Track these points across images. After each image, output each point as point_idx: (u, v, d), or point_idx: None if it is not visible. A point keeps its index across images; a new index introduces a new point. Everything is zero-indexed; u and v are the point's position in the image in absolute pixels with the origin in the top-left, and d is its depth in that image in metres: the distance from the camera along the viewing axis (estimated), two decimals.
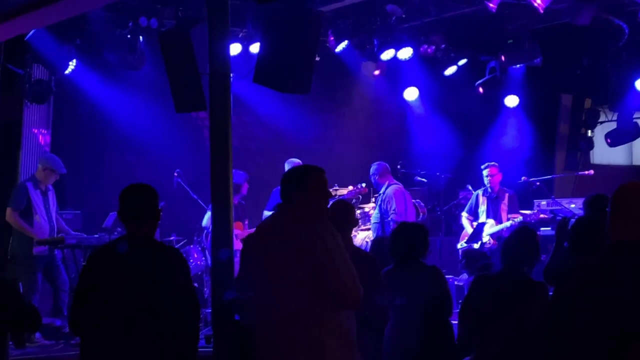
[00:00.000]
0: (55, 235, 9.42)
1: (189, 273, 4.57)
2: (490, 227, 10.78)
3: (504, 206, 10.95)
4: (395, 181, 10.79)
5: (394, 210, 10.42)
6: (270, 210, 10.66)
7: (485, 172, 11.08)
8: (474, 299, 5.41)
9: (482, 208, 11.07)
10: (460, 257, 10.13)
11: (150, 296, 4.30)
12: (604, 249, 3.40)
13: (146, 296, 4.29)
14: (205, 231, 10.41)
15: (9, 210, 9.30)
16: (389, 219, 10.38)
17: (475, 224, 11.04)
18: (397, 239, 5.99)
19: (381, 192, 10.68)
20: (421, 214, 10.89)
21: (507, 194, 11.04)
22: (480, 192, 11.21)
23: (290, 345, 4.26)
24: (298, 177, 4.53)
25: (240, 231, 10.25)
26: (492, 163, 11.17)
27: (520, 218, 10.63)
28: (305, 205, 4.43)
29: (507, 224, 10.65)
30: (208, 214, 10.32)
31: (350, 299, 4.29)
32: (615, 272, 3.25)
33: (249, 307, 4.60)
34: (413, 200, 10.86)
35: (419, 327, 5.65)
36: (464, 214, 11.33)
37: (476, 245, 10.67)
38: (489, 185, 11.05)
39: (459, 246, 11.21)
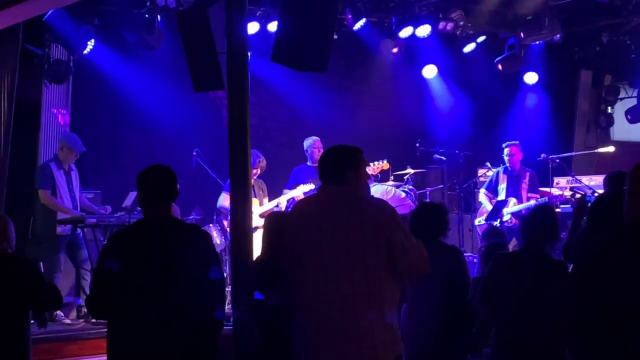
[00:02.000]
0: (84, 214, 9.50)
1: (213, 248, 4.54)
2: (512, 206, 10.74)
3: (525, 185, 10.91)
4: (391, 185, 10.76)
5: None
6: (290, 189, 10.67)
7: (505, 151, 11.04)
8: (493, 278, 5.39)
9: (502, 186, 11.03)
10: (481, 235, 10.06)
11: (172, 275, 4.30)
12: (622, 227, 3.38)
13: (168, 275, 4.29)
14: (221, 211, 10.45)
15: (41, 192, 9.35)
16: None
17: (494, 201, 11.01)
18: (416, 218, 5.97)
19: None
20: (415, 200, 10.81)
21: (528, 173, 10.99)
22: (501, 169, 11.16)
23: (355, 324, 4.22)
24: (349, 156, 4.49)
25: (257, 207, 10.28)
26: (514, 142, 11.10)
27: (545, 198, 10.57)
28: (358, 184, 4.44)
29: (531, 202, 10.59)
30: (223, 195, 10.36)
31: (424, 268, 4.37)
32: (637, 248, 3.23)
33: (288, 288, 4.50)
34: (406, 187, 10.84)
35: (438, 307, 5.63)
36: (483, 190, 11.29)
37: (496, 223, 10.64)
38: (509, 164, 11.01)
39: (476, 222, 11.20)
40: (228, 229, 10.38)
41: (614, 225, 3.88)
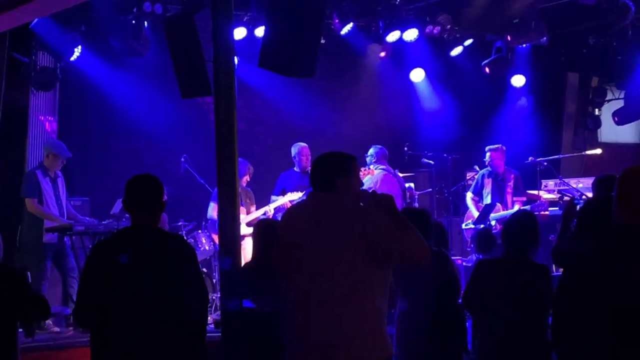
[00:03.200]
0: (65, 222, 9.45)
1: (195, 260, 4.53)
2: (496, 212, 10.74)
3: (510, 189, 10.88)
4: (381, 165, 10.72)
5: None
6: (278, 195, 10.67)
7: (487, 156, 11.00)
8: (477, 283, 5.41)
9: (487, 190, 10.99)
10: (471, 239, 10.06)
11: (156, 286, 4.29)
12: (611, 232, 3.40)
13: (151, 286, 4.28)
14: (210, 222, 10.45)
15: (28, 201, 9.29)
16: None
17: (481, 205, 11.02)
18: None
19: None
20: (408, 196, 10.82)
21: (512, 175, 10.96)
22: (485, 172, 11.13)
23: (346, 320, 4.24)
24: (339, 163, 4.50)
25: (244, 216, 10.28)
26: (495, 147, 11.02)
27: (527, 207, 10.54)
28: (347, 191, 4.44)
29: (515, 208, 10.60)
30: (212, 205, 10.35)
31: (420, 255, 4.34)
32: (625, 254, 3.24)
33: (278, 293, 4.49)
34: (407, 185, 10.82)
35: (428, 311, 5.65)
36: (469, 194, 11.28)
37: (472, 225, 10.66)
38: (491, 168, 11.00)
39: (463, 226, 11.20)
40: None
41: (602, 230, 3.89)
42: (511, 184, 10.91)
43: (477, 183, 11.20)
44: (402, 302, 5.90)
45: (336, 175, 4.44)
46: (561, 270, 5.53)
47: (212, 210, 10.32)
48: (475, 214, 10.93)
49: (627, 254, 3.24)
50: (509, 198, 10.84)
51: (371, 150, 10.78)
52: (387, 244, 4.27)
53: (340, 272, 4.25)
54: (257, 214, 10.42)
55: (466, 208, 11.63)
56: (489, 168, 11.08)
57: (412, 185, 10.93)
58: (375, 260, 4.27)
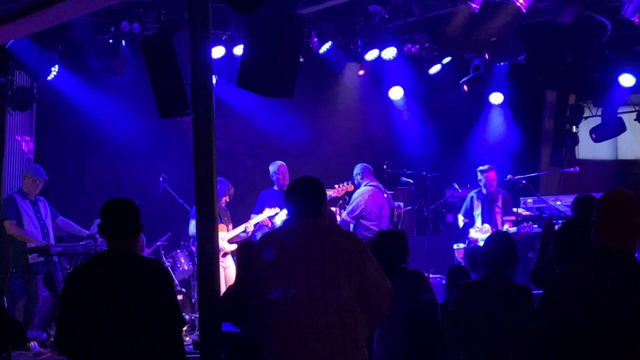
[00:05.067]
0: (50, 243, 9.45)
1: (171, 284, 4.50)
2: (484, 233, 10.68)
3: (498, 209, 10.84)
4: (371, 182, 10.72)
5: (348, 209, 10.47)
6: (258, 214, 10.64)
7: (482, 179, 10.85)
8: (459, 306, 5.40)
9: (477, 211, 10.90)
10: (464, 258, 9.91)
11: (132, 312, 4.24)
12: (590, 256, 3.40)
13: (128, 312, 4.23)
14: (192, 239, 10.41)
15: (6, 223, 9.42)
16: (342, 216, 10.45)
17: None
18: (376, 247, 5.97)
19: None
20: (395, 215, 10.79)
21: (500, 195, 10.91)
22: (474, 194, 11.02)
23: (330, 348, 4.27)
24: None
25: (225, 233, 10.24)
26: (488, 168, 10.89)
27: (514, 229, 10.55)
28: (325, 216, 4.60)
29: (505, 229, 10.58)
30: (192, 222, 10.32)
31: (384, 308, 4.46)
32: (602, 280, 3.25)
33: (257, 319, 4.51)
34: (395, 203, 10.80)
35: (404, 332, 5.64)
36: (460, 217, 11.18)
37: (462, 245, 10.63)
38: (485, 189, 10.86)
39: (454, 247, 11.10)
40: None
41: (580, 254, 3.91)
42: (500, 204, 10.87)
43: (466, 206, 11.13)
44: (379, 326, 5.88)
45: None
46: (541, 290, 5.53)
47: (194, 227, 10.31)
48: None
49: (607, 279, 3.24)
50: (498, 218, 10.81)
51: (357, 169, 10.78)
52: (370, 269, 4.39)
53: (330, 303, 4.28)
54: (237, 230, 10.40)
55: (446, 226, 11.62)
56: (478, 189, 11.00)
57: (401, 204, 10.91)
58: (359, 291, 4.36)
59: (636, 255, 3.40)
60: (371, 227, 10.37)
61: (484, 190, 10.91)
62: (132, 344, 4.23)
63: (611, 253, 3.31)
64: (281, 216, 10.35)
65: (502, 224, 10.77)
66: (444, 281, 10.28)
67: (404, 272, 5.93)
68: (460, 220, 11.20)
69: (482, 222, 10.82)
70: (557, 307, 3.34)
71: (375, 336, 5.86)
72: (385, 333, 5.79)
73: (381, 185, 10.75)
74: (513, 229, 10.50)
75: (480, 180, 10.93)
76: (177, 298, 4.52)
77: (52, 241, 9.55)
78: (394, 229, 9.89)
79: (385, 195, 10.65)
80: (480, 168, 10.99)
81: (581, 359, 3.23)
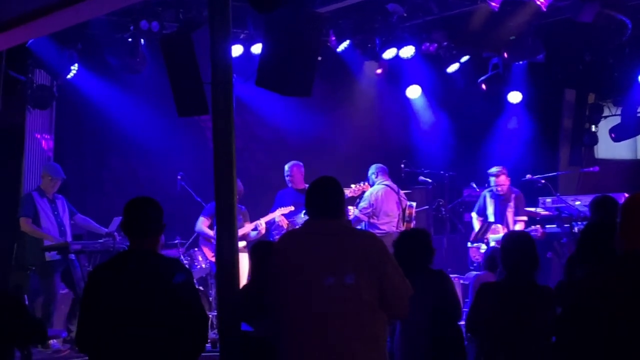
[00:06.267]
0: (68, 240, 9.47)
1: (192, 284, 4.49)
2: (495, 234, 10.66)
3: (511, 208, 10.82)
4: (384, 181, 10.69)
5: (360, 207, 10.46)
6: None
7: (492, 180, 10.87)
8: (480, 307, 5.37)
9: (490, 210, 10.90)
10: (483, 259, 9.83)
11: (154, 312, 4.24)
12: (615, 258, 3.37)
13: (150, 312, 4.24)
14: (200, 235, 10.51)
15: (22, 220, 9.44)
16: (355, 213, 10.43)
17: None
18: (400, 248, 5.95)
19: None
20: (407, 214, 10.74)
21: (513, 195, 10.87)
22: (487, 193, 11.03)
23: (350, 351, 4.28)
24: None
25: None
26: (499, 169, 10.87)
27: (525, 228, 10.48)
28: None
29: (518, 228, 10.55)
30: (201, 219, 10.42)
31: (404, 308, 4.45)
32: (628, 282, 3.22)
33: (275, 320, 4.51)
34: (408, 203, 10.76)
35: (429, 332, 5.61)
36: (474, 215, 11.21)
37: (483, 246, 10.59)
38: (495, 190, 10.89)
39: (469, 245, 11.08)
40: (209, 255, 10.39)
41: (603, 256, 3.88)
42: (512, 203, 10.83)
43: (480, 205, 11.12)
44: (401, 324, 5.87)
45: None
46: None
47: (202, 224, 10.46)
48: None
49: (625, 284, 3.22)
50: (510, 217, 10.78)
51: (372, 169, 10.76)
52: (390, 270, 4.38)
53: (351, 305, 4.28)
54: (248, 228, 10.40)
55: (464, 226, 11.59)
56: (491, 188, 11.00)
57: (413, 204, 10.87)
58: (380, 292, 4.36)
59: None
60: (380, 226, 10.36)
61: (495, 189, 10.91)
62: (153, 344, 4.23)
63: (637, 255, 3.29)
64: (300, 216, 10.35)
65: (515, 224, 10.74)
66: (462, 281, 10.29)
67: (428, 271, 5.93)
68: (474, 218, 11.19)
69: (495, 221, 10.80)
70: (584, 309, 3.31)
71: (396, 335, 5.86)
72: (409, 332, 5.78)
73: (395, 185, 10.71)
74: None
75: (490, 182, 10.92)
76: (199, 297, 4.51)
77: (70, 239, 9.56)
78: (415, 228, 9.83)
79: (397, 194, 10.61)
80: (490, 171, 10.98)
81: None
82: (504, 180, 10.81)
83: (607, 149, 14.33)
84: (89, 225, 9.95)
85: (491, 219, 10.88)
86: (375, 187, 10.59)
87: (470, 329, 5.43)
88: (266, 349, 4.77)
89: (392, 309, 4.41)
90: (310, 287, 4.33)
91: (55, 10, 6.50)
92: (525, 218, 10.82)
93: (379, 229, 10.28)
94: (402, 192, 10.77)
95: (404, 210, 10.57)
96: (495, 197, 10.92)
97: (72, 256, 9.36)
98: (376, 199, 10.43)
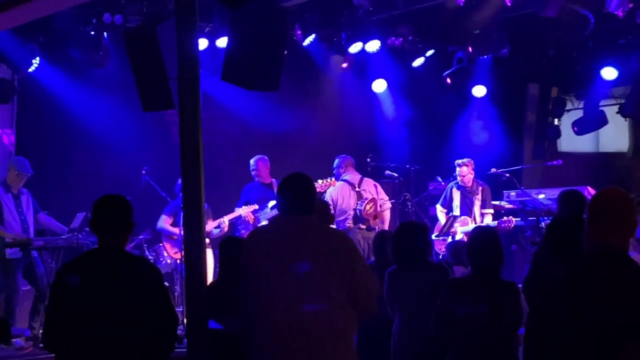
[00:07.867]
0: (31, 237, 9.33)
1: (162, 283, 4.45)
2: (464, 225, 10.71)
3: (477, 201, 10.89)
4: (345, 176, 10.64)
5: None
6: (241, 207, 10.57)
7: (457, 171, 10.95)
8: (447, 303, 5.35)
9: (456, 202, 10.97)
10: (448, 252, 9.86)
11: (124, 311, 4.20)
12: (583, 254, 3.38)
13: (119, 311, 4.20)
14: (162, 233, 10.52)
15: None
16: None
17: (449, 216, 10.99)
18: (401, 241, 5.96)
19: None
20: (368, 210, 10.68)
21: (480, 188, 10.95)
22: (453, 185, 11.11)
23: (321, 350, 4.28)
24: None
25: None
26: (465, 161, 10.95)
27: (494, 223, 10.54)
28: (315, 214, 4.62)
29: (486, 221, 10.61)
30: (163, 217, 10.43)
31: (373, 306, 4.46)
32: (596, 278, 3.24)
33: (246, 316, 4.50)
34: (379, 197, 10.73)
35: (424, 327, 5.57)
36: (439, 207, 11.26)
37: (449, 239, 10.62)
38: (460, 182, 10.97)
39: (433, 237, 11.12)
40: (172, 251, 10.34)
41: (569, 251, 3.91)
42: (479, 196, 10.90)
43: (445, 196, 11.17)
44: (399, 317, 5.88)
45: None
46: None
47: (164, 222, 10.47)
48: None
49: (592, 279, 3.23)
50: (477, 211, 10.84)
51: (336, 162, 10.75)
52: (359, 268, 4.40)
53: (321, 301, 4.28)
54: (211, 225, 10.34)
55: (430, 219, 11.62)
56: (457, 181, 11.05)
57: (387, 201, 10.81)
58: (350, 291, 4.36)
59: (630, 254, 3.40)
60: (338, 223, 10.33)
61: (460, 182, 10.96)
62: (123, 344, 4.19)
63: (605, 251, 3.30)
64: (267, 212, 10.31)
65: (482, 217, 10.80)
66: None
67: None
68: (439, 210, 11.23)
69: (461, 214, 10.85)
70: (551, 305, 3.33)
71: (394, 327, 5.87)
72: (408, 324, 5.80)
73: (357, 179, 10.63)
74: (494, 223, 10.52)
75: (455, 174, 10.97)
76: (169, 297, 4.47)
77: (32, 235, 9.41)
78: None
79: (355, 190, 10.54)
80: (457, 161, 11.03)
81: (576, 358, 3.22)
82: (466, 171, 10.86)
83: (570, 142, 14.47)
84: (50, 225, 9.75)
85: (456, 211, 10.93)
86: (337, 184, 10.55)
87: (438, 325, 5.40)
88: (236, 346, 4.74)
89: (361, 307, 4.41)
90: (279, 281, 4.32)
91: (16, 5, 6.39)
92: (492, 211, 10.89)
93: (338, 226, 10.25)
94: (378, 186, 10.71)
95: (355, 210, 10.44)
96: (462, 189, 10.98)
97: (35, 253, 9.23)
98: (332, 198, 10.42)
